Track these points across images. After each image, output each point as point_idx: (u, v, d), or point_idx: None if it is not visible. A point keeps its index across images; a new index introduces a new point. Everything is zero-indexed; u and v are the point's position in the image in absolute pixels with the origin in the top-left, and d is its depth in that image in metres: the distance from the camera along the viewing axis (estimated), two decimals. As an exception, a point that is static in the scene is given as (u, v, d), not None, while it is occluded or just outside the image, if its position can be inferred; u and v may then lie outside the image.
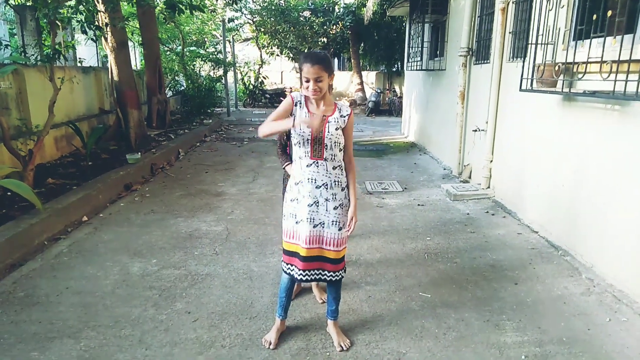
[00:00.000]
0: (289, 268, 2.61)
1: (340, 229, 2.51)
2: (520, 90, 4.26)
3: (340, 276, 2.61)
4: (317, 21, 17.39)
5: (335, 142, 2.44)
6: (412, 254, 3.96)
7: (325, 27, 17.65)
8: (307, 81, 2.36)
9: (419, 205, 5.37)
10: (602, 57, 3.18)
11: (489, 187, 5.67)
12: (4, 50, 5.55)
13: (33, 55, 6.02)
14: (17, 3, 7.31)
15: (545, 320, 2.93)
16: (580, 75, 3.51)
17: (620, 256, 3.26)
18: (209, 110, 13.72)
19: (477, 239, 4.31)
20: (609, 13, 3.15)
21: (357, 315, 2.99)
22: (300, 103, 2.48)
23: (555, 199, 4.16)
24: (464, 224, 4.73)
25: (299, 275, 2.55)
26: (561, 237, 4.03)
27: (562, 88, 3.75)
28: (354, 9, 16.99)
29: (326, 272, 2.57)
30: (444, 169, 7.19)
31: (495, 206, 5.29)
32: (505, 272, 3.62)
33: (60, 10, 5.71)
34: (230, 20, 17.85)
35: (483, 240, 4.28)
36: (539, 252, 3.99)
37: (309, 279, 2.57)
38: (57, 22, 5.47)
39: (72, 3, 6.09)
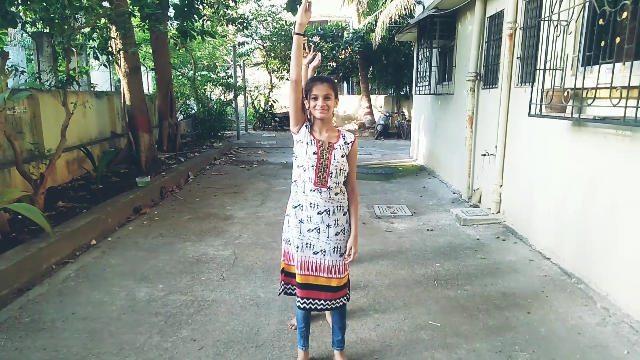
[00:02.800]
0: (286, 287, 2.69)
1: (341, 255, 2.49)
2: (529, 115, 4.25)
3: (341, 303, 2.56)
4: (326, 46, 17.65)
5: (340, 170, 2.43)
6: (422, 281, 3.89)
7: (334, 52, 17.92)
8: (316, 99, 2.36)
9: (428, 230, 5.31)
10: (611, 83, 3.16)
11: (499, 212, 5.60)
12: (20, 76, 5.69)
13: (48, 80, 6.15)
14: (35, 30, 7.53)
15: (560, 352, 2.84)
16: (589, 101, 3.49)
17: (636, 285, 3.16)
18: (219, 134, 13.87)
19: (487, 266, 4.23)
20: (618, 40, 3.15)
21: (365, 344, 2.93)
22: (307, 126, 2.48)
23: (566, 224, 4.09)
24: (474, 249, 4.66)
25: (297, 302, 2.54)
26: (574, 264, 3.95)
27: (572, 114, 3.73)
28: (362, 34, 17.25)
29: (326, 301, 2.52)
30: (454, 193, 7.14)
31: (506, 231, 5.21)
32: (517, 300, 3.54)
33: (76, 37, 5.87)
34: (241, 44, 18.20)
35: (494, 267, 4.20)
36: (552, 280, 3.90)
37: (307, 307, 2.53)
38: (72, 48, 5.61)
39: (87, 30, 6.25)
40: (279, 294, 2.87)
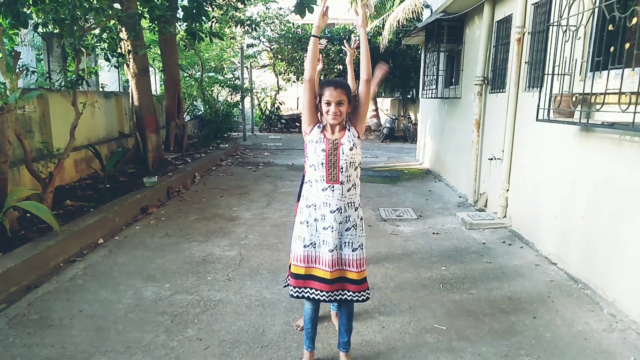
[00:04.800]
0: (297, 291, 2.57)
1: (354, 250, 2.51)
2: (537, 120, 4.24)
3: (365, 296, 2.56)
4: (333, 49, 17.68)
5: (350, 163, 2.45)
6: (427, 284, 3.89)
7: (341, 54, 17.93)
8: (328, 104, 2.39)
9: (434, 233, 5.30)
10: (620, 89, 3.15)
11: (505, 216, 5.59)
12: (31, 75, 5.75)
13: (58, 80, 6.20)
14: (45, 31, 7.62)
15: (566, 358, 2.83)
16: (598, 107, 3.48)
17: (644, 291, 3.15)
18: (225, 135, 13.92)
19: (493, 270, 4.22)
20: (627, 45, 3.15)
21: (370, 347, 2.93)
22: (320, 126, 2.50)
23: (573, 230, 4.07)
24: (480, 253, 4.65)
25: (318, 296, 2.53)
26: (580, 269, 3.93)
27: (580, 119, 3.72)
28: (369, 37, 17.25)
29: (348, 292, 2.54)
30: (460, 197, 7.13)
31: (512, 236, 5.20)
32: (523, 305, 3.53)
33: (85, 38, 5.93)
34: (250, 45, 18.27)
35: (500, 271, 4.19)
36: (558, 285, 3.89)
37: (332, 299, 2.54)
38: (81, 49, 5.67)
39: (97, 31, 6.32)
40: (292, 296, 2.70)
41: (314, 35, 2.41)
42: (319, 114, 2.50)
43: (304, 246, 2.53)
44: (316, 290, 2.54)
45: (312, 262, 2.54)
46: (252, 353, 2.82)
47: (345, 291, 2.55)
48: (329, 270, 2.49)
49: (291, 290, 2.60)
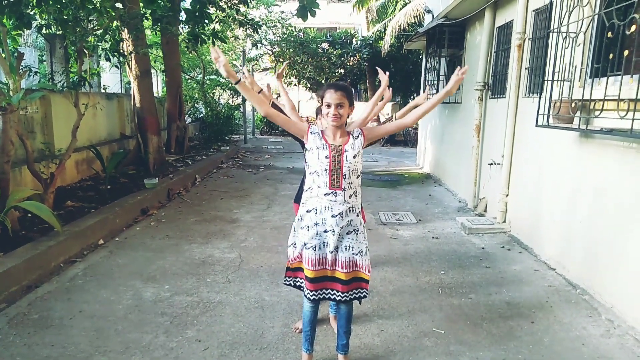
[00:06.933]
0: (294, 280, 2.69)
1: (358, 254, 2.54)
2: (537, 125, 4.27)
3: (364, 293, 2.62)
4: (334, 53, 17.74)
5: (353, 170, 2.47)
6: (426, 288, 3.90)
7: (342, 58, 17.99)
8: (328, 106, 2.42)
9: (433, 237, 5.32)
10: (619, 96, 3.17)
11: (504, 222, 5.60)
12: (33, 76, 5.79)
13: (60, 81, 6.23)
14: (48, 32, 7.67)
15: (563, 362, 2.84)
16: (597, 113, 3.50)
17: (641, 297, 3.16)
18: (226, 137, 13.95)
19: (492, 275, 4.24)
20: (626, 52, 3.17)
21: (368, 349, 2.94)
22: (313, 132, 2.52)
23: (572, 235, 4.09)
24: (479, 258, 4.66)
25: (310, 295, 2.58)
26: (579, 275, 3.94)
27: (579, 125, 3.74)
28: (371, 41, 17.33)
29: (362, 289, 2.60)
30: (459, 202, 7.14)
31: (511, 241, 5.21)
32: (522, 309, 3.54)
33: (87, 39, 5.95)
34: (254, 44, 18.29)
35: (499, 276, 4.21)
36: (557, 290, 3.90)
37: (346, 298, 2.59)
38: (84, 50, 5.70)
39: (99, 32, 6.35)
40: (288, 285, 2.81)
41: (235, 83, 2.34)
42: (319, 118, 2.53)
43: (306, 248, 2.55)
44: (326, 290, 2.60)
45: (312, 264, 2.55)
46: (251, 355, 2.83)
47: (360, 289, 2.60)
48: (329, 269, 2.54)
49: (287, 280, 2.75)
